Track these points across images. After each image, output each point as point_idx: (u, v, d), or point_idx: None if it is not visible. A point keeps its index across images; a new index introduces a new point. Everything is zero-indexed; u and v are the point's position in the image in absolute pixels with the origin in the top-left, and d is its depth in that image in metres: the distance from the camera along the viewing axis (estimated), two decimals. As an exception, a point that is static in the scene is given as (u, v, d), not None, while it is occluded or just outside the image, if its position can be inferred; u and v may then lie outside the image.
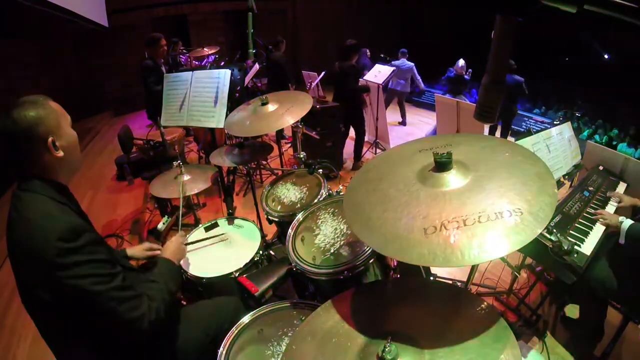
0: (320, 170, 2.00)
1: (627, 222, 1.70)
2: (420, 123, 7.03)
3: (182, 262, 1.70)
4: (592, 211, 1.96)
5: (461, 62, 5.45)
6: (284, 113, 1.86)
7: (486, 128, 4.32)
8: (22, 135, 0.98)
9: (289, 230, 1.58)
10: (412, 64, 6.35)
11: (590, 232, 1.82)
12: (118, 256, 1.27)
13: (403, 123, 6.84)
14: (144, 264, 1.60)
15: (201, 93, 2.48)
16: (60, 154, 1.05)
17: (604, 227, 1.84)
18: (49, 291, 0.95)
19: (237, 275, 1.60)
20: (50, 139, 1.01)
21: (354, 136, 4.59)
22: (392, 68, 4.87)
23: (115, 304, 0.97)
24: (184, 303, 1.58)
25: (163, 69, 3.89)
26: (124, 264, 1.25)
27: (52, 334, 1.07)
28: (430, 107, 7.67)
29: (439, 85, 7.91)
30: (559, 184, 2.18)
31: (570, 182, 2.32)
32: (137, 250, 1.55)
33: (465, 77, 5.42)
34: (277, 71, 4.98)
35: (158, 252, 1.58)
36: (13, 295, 2.59)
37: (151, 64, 3.75)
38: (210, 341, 1.34)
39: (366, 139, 5.19)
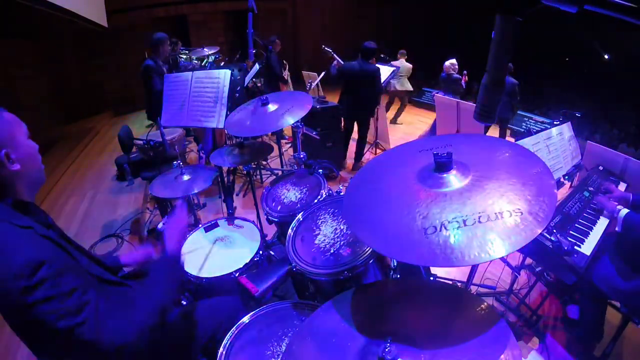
0: (320, 171, 2.00)
1: (624, 211, 1.76)
2: (420, 123, 7.03)
3: (182, 262, 1.70)
4: (595, 210, 1.97)
5: (448, 61, 5.43)
6: (284, 113, 1.86)
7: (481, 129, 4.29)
8: None
9: (289, 230, 1.58)
10: (410, 65, 6.35)
11: (590, 232, 1.83)
12: (98, 272, 1.16)
13: (393, 121, 6.82)
14: (134, 272, 1.56)
15: (201, 93, 2.48)
16: (17, 167, 0.98)
17: (603, 228, 1.85)
18: (17, 323, 0.92)
19: (237, 275, 1.60)
20: (3, 152, 0.95)
21: (356, 137, 4.59)
22: (393, 68, 4.87)
23: (83, 335, 0.89)
24: (184, 303, 1.58)
25: (164, 69, 3.87)
26: (106, 279, 1.18)
27: (35, 352, 1.03)
28: (430, 107, 7.67)
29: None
30: (559, 184, 2.18)
31: (570, 182, 2.32)
32: (131, 259, 1.48)
33: (455, 75, 5.40)
34: (270, 70, 5.01)
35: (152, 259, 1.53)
36: (13, 295, 2.57)
37: (153, 65, 3.72)
38: (209, 340, 1.33)
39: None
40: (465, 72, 5.38)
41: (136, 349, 0.96)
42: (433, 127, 5.21)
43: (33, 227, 0.96)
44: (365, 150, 4.78)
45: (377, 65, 4.22)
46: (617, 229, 1.75)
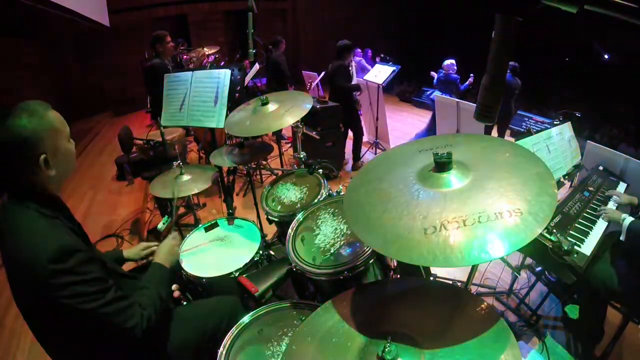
0: (320, 171, 2.00)
1: (628, 219, 1.73)
2: (420, 123, 7.03)
3: (182, 262, 1.70)
4: (595, 210, 1.97)
5: (448, 61, 5.44)
6: (284, 113, 1.86)
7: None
8: (14, 149, 0.93)
9: (289, 230, 1.58)
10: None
11: (590, 232, 1.82)
12: (111, 265, 1.24)
13: None
14: (142, 265, 1.59)
15: (201, 93, 2.48)
16: (52, 172, 1.00)
17: (603, 228, 1.85)
18: (40, 307, 0.96)
19: (237, 275, 1.60)
20: (42, 158, 0.96)
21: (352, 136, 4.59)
22: (393, 68, 4.86)
23: (108, 318, 0.97)
24: (184, 303, 1.58)
25: (169, 67, 3.82)
26: (117, 272, 1.24)
27: (46, 340, 1.07)
28: (430, 107, 7.66)
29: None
30: (559, 184, 2.18)
31: (570, 182, 2.32)
32: (133, 252, 1.55)
33: (453, 76, 5.40)
34: (276, 70, 4.99)
35: (155, 249, 1.57)
36: (13, 295, 2.57)
37: (161, 63, 3.65)
38: (207, 341, 1.33)
39: (366, 139, 5.18)
40: (472, 74, 5.37)
41: (148, 330, 1.04)
42: (429, 126, 5.20)
43: (58, 218, 1.01)
44: (365, 150, 4.77)
45: (343, 62, 4.22)
46: (621, 238, 1.72)
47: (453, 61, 5.41)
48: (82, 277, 0.94)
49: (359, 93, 4.57)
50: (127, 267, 1.56)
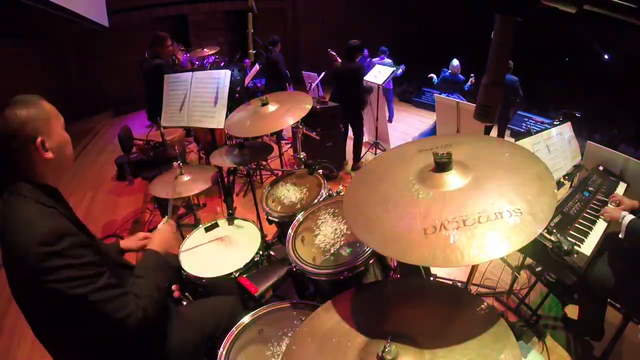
0: (320, 171, 2.00)
1: (628, 217, 1.72)
2: (421, 123, 7.03)
3: (182, 262, 1.70)
4: (595, 210, 1.96)
5: (455, 61, 5.47)
6: (284, 113, 1.86)
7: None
8: (12, 134, 0.96)
9: (289, 230, 1.58)
10: (391, 61, 6.35)
11: (590, 232, 1.83)
12: (111, 254, 1.23)
13: (389, 120, 6.82)
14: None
15: (201, 93, 2.48)
16: (50, 155, 1.02)
17: (603, 228, 1.85)
18: (34, 295, 0.95)
19: (237, 275, 1.60)
20: (39, 139, 0.99)
21: (352, 136, 4.58)
22: (392, 69, 4.87)
23: (100, 305, 0.95)
24: (184, 303, 1.58)
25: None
26: (117, 262, 1.23)
27: (43, 335, 1.07)
28: (430, 107, 7.66)
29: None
30: (559, 184, 2.18)
31: (570, 183, 2.32)
32: (131, 242, 1.51)
33: (460, 76, 5.43)
34: (274, 70, 4.99)
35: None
36: (13, 296, 2.57)
37: (164, 63, 3.65)
38: (206, 341, 1.33)
39: (366, 139, 5.19)
40: (472, 74, 5.38)
41: (143, 321, 1.02)
42: (433, 128, 5.21)
43: (55, 207, 1.01)
44: (365, 151, 4.77)
45: (361, 63, 4.21)
46: (620, 235, 1.72)
47: (458, 62, 5.46)
48: (73, 260, 0.93)
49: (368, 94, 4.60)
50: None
